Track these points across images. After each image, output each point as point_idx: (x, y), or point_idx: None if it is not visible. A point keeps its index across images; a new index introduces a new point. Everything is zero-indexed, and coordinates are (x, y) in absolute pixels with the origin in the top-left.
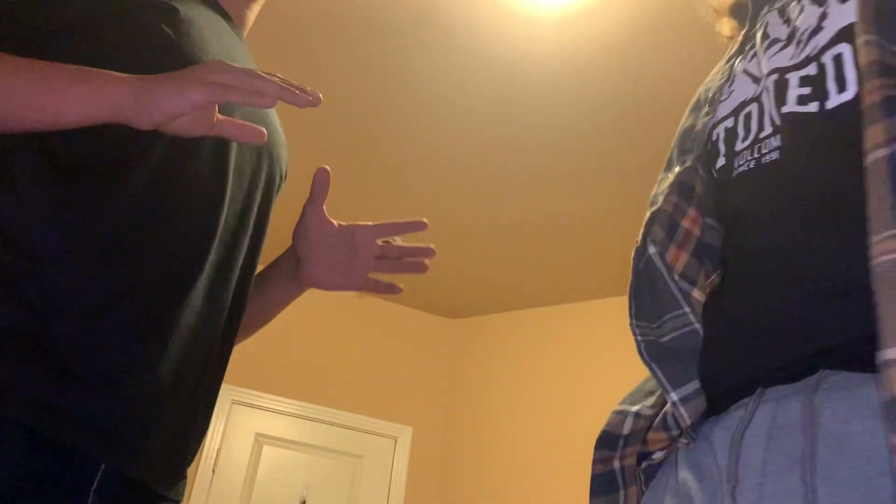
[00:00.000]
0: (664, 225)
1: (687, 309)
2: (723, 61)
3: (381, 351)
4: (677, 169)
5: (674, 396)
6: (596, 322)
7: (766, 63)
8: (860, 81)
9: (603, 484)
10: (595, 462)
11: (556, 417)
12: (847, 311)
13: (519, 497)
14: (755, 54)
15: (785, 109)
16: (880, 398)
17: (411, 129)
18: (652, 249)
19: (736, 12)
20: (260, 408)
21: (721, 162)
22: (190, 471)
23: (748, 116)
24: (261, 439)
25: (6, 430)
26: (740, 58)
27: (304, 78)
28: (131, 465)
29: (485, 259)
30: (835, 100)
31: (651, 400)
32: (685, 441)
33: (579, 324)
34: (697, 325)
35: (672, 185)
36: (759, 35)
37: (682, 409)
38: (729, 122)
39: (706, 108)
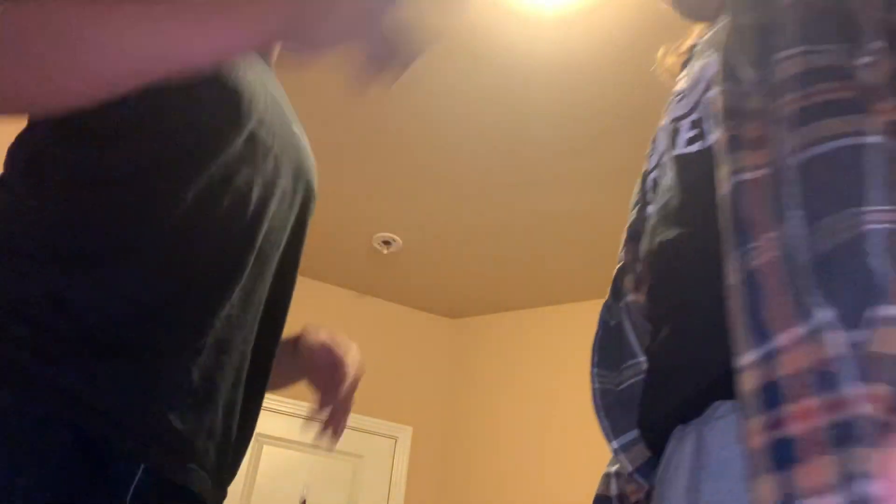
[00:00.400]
0: (630, 277)
1: (642, 358)
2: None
3: (381, 351)
4: (630, 219)
5: (614, 444)
6: (597, 322)
7: (668, 114)
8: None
9: None
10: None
11: (556, 417)
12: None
13: (519, 497)
14: (679, 86)
15: (675, 153)
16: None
17: (410, 129)
18: (622, 303)
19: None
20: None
21: (651, 209)
22: None
23: (663, 166)
24: (261, 439)
25: (53, 428)
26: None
27: (300, 78)
28: (172, 468)
29: (485, 259)
30: (711, 139)
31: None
32: (647, 489)
33: (581, 324)
34: (643, 377)
35: (625, 240)
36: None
37: (622, 457)
38: (655, 174)
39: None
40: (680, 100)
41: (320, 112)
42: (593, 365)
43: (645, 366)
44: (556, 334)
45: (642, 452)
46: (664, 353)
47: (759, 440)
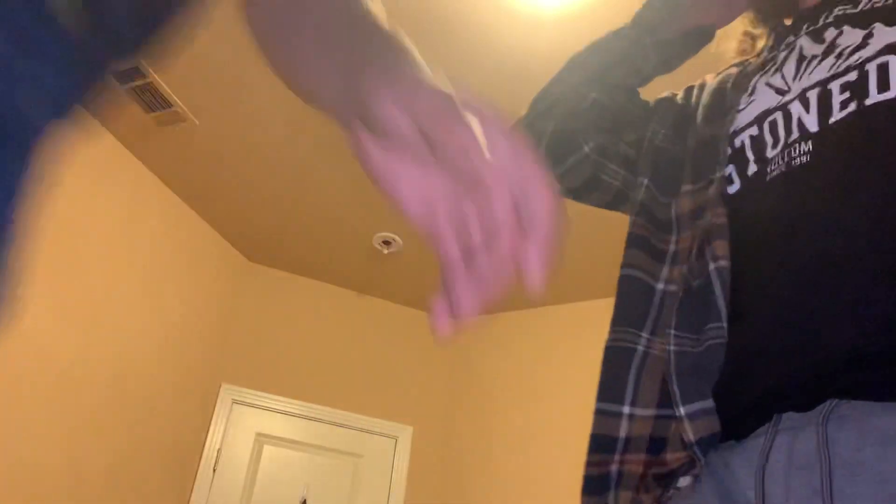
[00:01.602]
0: (722, 242)
1: (724, 323)
2: (718, 77)
3: (381, 350)
4: (713, 184)
5: (681, 411)
6: (597, 321)
7: (806, 77)
8: None
9: (595, 485)
10: (589, 464)
11: (557, 416)
12: (862, 341)
13: (519, 496)
14: (778, 70)
15: (831, 119)
16: None
17: None
18: (712, 266)
19: (748, 37)
20: (260, 407)
21: (753, 168)
22: (190, 471)
23: (773, 124)
24: (261, 439)
25: None
26: (760, 73)
27: None
28: None
29: None
30: (874, 98)
31: (643, 400)
32: (700, 464)
33: (581, 323)
34: (724, 342)
35: (712, 201)
36: (783, 55)
37: (686, 424)
38: (753, 131)
39: (718, 119)
40: (819, 62)
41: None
42: (669, 327)
43: (725, 332)
44: (557, 334)
45: (712, 425)
46: (779, 328)
47: None
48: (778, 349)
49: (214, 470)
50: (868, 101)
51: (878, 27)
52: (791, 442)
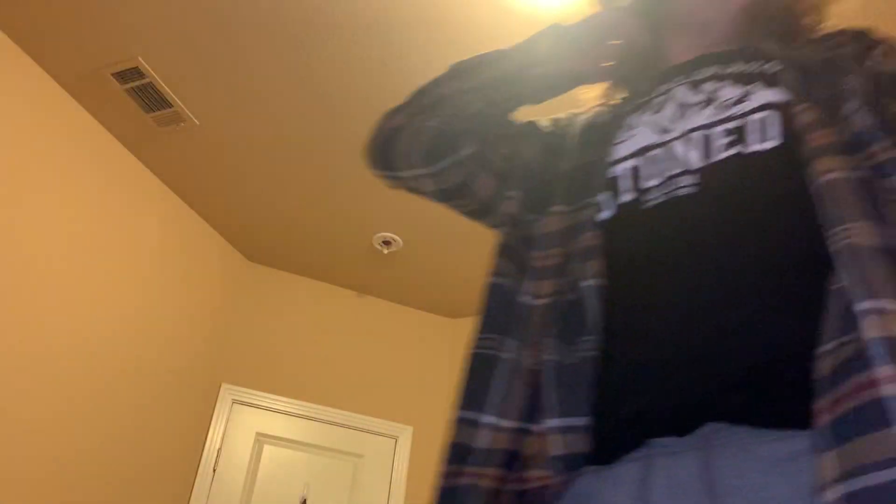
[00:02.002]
0: (596, 262)
1: (597, 336)
2: (589, 113)
3: (381, 351)
4: (586, 208)
5: (554, 422)
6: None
7: (688, 121)
8: (788, 138)
9: (448, 498)
10: (445, 475)
11: None
12: (739, 366)
13: None
14: (657, 112)
15: (712, 158)
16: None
17: None
18: (586, 283)
19: (618, 82)
20: (260, 407)
21: (626, 197)
22: (190, 470)
23: (655, 158)
24: (261, 439)
25: None
26: (638, 113)
27: (302, 78)
28: None
29: (485, 259)
30: (753, 147)
31: (507, 411)
32: (556, 481)
33: None
34: (597, 353)
35: (585, 225)
36: (661, 100)
37: (555, 437)
38: (633, 162)
39: (595, 149)
40: (700, 109)
41: (318, 111)
42: (544, 338)
43: (597, 344)
44: None
45: (581, 442)
46: (655, 351)
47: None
48: (653, 372)
49: (214, 470)
50: (748, 150)
51: (758, 86)
52: (671, 466)
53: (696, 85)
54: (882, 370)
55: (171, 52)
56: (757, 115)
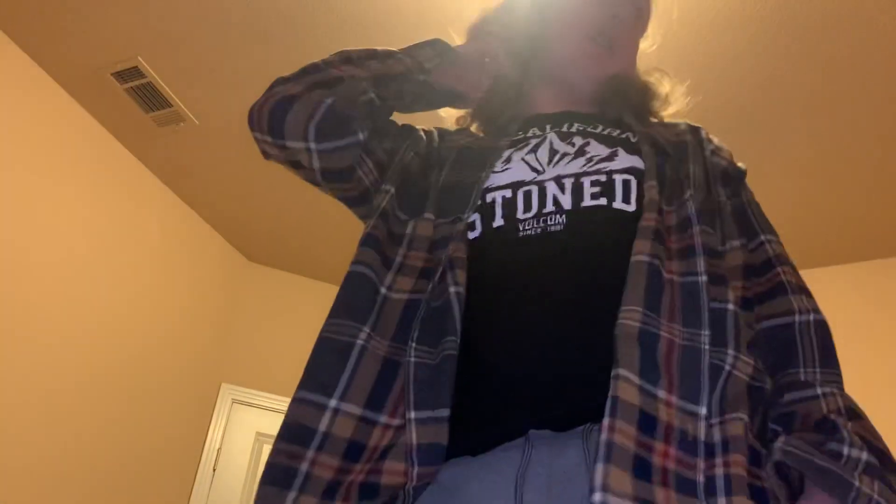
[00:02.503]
0: (460, 272)
1: (458, 338)
2: (461, 136)
3: None
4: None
5: (411, 415)
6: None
7: (560, 167)
8: (640, 206)
9: (280, 476)
10: (277, 452)
11: None
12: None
13: None
14: (532, 152)
15: (582, 203)
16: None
17: None
18: (452, 290)
19: (484, 113)
20: (260, 407)
21: (499, 223)
22: (190, 470)
23: (528, 194)
24: (261, 438)
25: None
26: (514, 149)
27: None
28: None
29: None
30: (618, 204)
31: (353, 397)
32: (413, 472)
33: None
34: (456, 353)
35: (459, 234)
36: (535, 142)
37: (412, 428)
38: (507, 193)
39: (470, 171)
40: (571, 159)
41: None
42: (412, 339)
43: (457, 345)
44: None
45: (439, 434)
46: (510, 356)
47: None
48: (507, 375)
49: (214, 469)
50: (614, 204)
51: (621, 151)
52: (551, 457)
53: (565, 136)
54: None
55: (171, 52)
56: (622, 177)
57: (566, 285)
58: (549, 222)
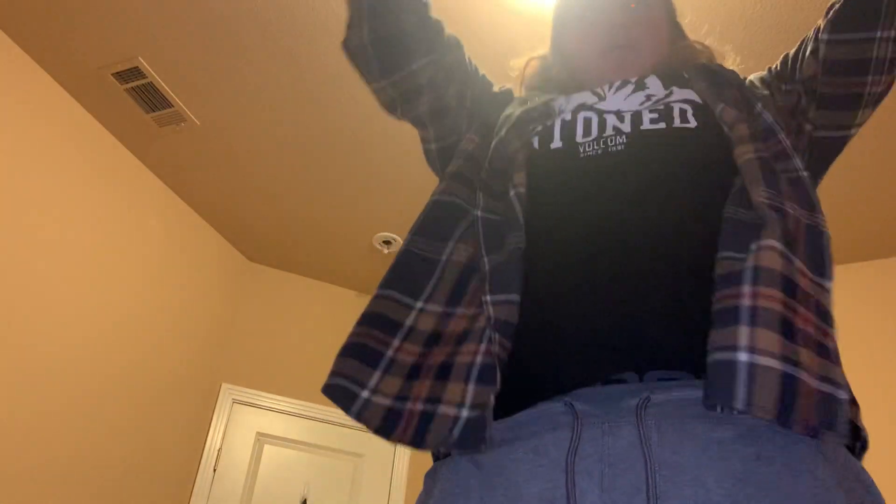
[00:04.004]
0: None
1: (523, 233)
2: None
3: None
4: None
5: (488, 298)
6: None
7: (620, 96)
8: (701, 124)
9: (367, 354)
10: (361, 334)
11: None
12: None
13: None
14: (601, 97)
15: (642, 127)
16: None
17: (410, 128)
18: (512, 192)
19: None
20: (261, 407)
21: (558, 144)
22: (190, 470)
23: (588, 121)
24: (262, 438)
25: None
26: (565, 99)
27: (299, 76)
28: None
29: None
30: (677, 124)
31: (439, 298)
32: (490, 322)
33: None
34: (523, 246)
35: (521, 148)
36: (599, 88)
37: (491, 308)
38: (566, 116)
39: (536, 101)
40: (629, 94)
41: (316, 111)
42: (481, 247)
43: (524, 239)
44: None
45: (511, 314)
46: (583, 286)
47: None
48: (581, 308)
49: (215, 469)
50: (673, 125)
51: (675, 88)
52: (603, 438)
53: (624, 83)
54: (747, 289)
55: (171, 52)
56: (679, 105)
57: (624, 205)
58: (609, 144)
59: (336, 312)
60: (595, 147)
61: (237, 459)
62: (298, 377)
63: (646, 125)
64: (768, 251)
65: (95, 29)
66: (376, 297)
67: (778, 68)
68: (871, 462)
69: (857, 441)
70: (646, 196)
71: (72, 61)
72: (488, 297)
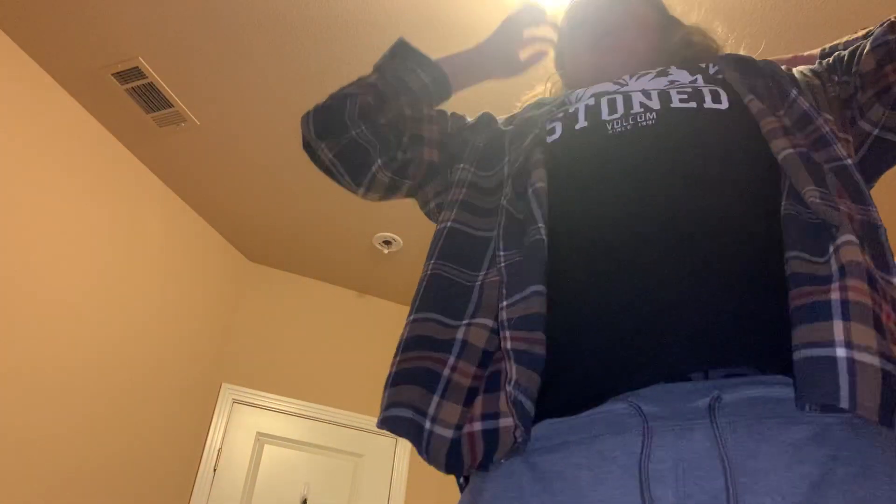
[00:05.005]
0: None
1: (543, 224)
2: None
3: (381, 351)
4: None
5: (503, 302)
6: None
7: (644, 81)
8: (732, 105)
9: (424, 376)
10: (409, 359)
11: None
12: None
13: None
14: (623, 84)
15: (671, 104)
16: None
17: None
18: (531, 190)
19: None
20: (261, 407)
21: (583, 124)
22: (190, 470)
23: (612, 101)
24: (262, 438)
25: None
26: (583, 90)
27: (304, 79)
28: None
29: None
30: (708, 105)
31: (485, 314)
32: (506, 340)
33: None
34: (543, 238)
35: (533, 143)
36: (618, 85)
37: (504, 311)
38: (590, 101)
39: (555, 103)
40: (652, 78)
41: None
42: (497, 249)
43: (544, 232)
44: None
45: (529, 307)
46: (629, 276)
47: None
48: (635, 297)
49: (215, 469)
50: (704, 105)
51: (700, 77)
52: (677, 441)
53: (645, 73)
54: (836, 284)
55: (171, 52)
56: (709, 87)
57: (666, 179)
58: (639, 119)
59: (336, 312)
60: (623, 123)
61: (237, 459)
62: (298, 377)
63: (675, 103)
64: (848, 246)
65: (95, 29)
66: (415, 322)
67: (830, 60)
68: None
69: None
70: (694, 176)
71: (72, 61)
72: (504, 302)
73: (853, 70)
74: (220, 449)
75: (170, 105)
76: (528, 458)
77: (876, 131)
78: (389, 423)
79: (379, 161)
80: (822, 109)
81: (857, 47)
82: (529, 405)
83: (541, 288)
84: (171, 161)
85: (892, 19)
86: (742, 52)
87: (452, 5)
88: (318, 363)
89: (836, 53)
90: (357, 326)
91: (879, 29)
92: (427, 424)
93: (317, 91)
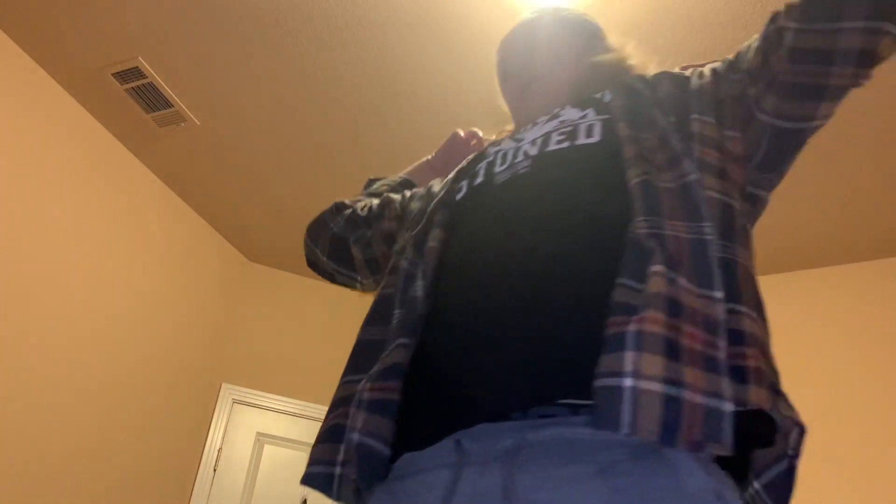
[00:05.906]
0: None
1: (427, 281)
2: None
3: None
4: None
5: (394, 342)
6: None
7: (536, 130)
8: (604, 138)
9: (335, 434)
10: (331, 419)
11: None
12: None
13: None
14: (521, 139)
15: (547, 149)
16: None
17: (410, 128)
18: (427, 246)
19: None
20: (261, 407)
21: (480, 180)
22: (190, 470)
23: (504, 153)
24: (262, 438)
25: None
26: (493, 149)
27: (302, 77)
28: None
29: None
30: (582, 141)
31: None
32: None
33: None
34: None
35: (439, 203)
36: (512, 140)
37: (394, 350)
38: (490, 158)
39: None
40: (544, 123)
41: (318, 110)
42: (396, 307)
43: (428, 286)
44: None
45: (398, 357)
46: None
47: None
48: (474, 339)
49: (215, 469)
50: (576, 143)
51: (591, 111)
52: (476, 478)
53: (550, 114)
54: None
55: (171, 52)
56: (586, 123)
57: (529, 222)
58: (518, 168)
59: (336, 312)
60: (506, 174)
61: (237, 459)
62: (298, 377)
63: (552, 146)
64: (654, 277)
65: (95, 29)
66: (340, 386)
67: (732, 57)
68: (873, 461)
69: (772, 435)
70: (543, 218)
71: (72, 61)
72: (391, 342)
73: (744, 67)
74: (220, 449)
75: (170, 105)
76: (388, 485)
77: (772, 121)
78: (307, 479)
79: (351, 239)
80: (703, 114)
81: (749, 43)
82: (378, 445)
83: (406, 340)
84: (171, 161)
85: (780, 10)
86: (652, 67)
87: (452, 5)
88: (319, 363)
89: (738, 50)
90: (357, 326)
91: (771, 20)
92: (337, 470)
93: (317, 91)
